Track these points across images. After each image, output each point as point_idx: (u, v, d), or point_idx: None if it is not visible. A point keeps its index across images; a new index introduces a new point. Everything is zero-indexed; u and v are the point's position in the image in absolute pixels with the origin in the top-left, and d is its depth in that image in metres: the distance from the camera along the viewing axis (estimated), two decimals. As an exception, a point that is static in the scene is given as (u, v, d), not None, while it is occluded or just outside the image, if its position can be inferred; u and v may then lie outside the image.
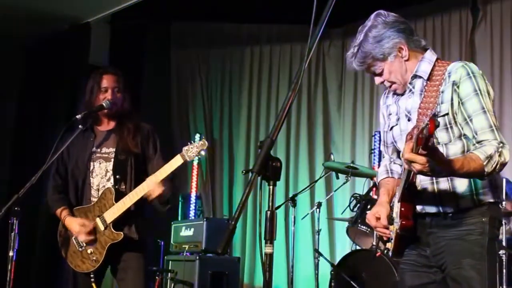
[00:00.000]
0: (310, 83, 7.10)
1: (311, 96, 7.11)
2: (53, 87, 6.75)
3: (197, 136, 6.36)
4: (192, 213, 6.76)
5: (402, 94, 2.55)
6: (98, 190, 3.47)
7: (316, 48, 1.99)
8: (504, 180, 4.28)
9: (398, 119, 2.53)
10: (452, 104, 2.36)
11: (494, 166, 2.23)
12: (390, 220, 2.44)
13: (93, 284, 3.38)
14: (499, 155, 2.25)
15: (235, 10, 6.65)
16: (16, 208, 3.30)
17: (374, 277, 4.46)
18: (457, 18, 6.19)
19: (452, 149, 2.36)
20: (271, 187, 1.84)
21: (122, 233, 3.37)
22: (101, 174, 3.49)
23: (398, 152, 2.61)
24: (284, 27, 7.18)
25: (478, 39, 6.02)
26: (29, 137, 6.71)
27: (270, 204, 1.84)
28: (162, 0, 6.28)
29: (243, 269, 6.66)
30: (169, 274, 5.09)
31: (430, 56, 2.49)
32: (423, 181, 2.42)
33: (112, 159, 3.48)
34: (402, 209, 2.37)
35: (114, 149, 3.50)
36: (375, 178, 5.42)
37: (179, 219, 6.54)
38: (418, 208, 2.44)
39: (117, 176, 3.46)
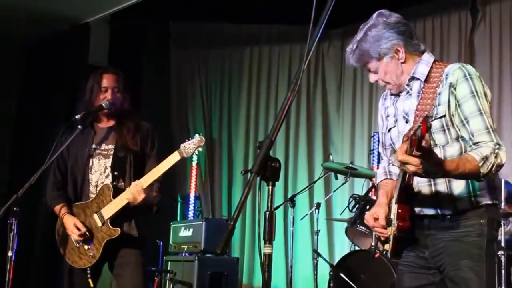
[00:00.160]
0: (309, 84, 7.10)
1: (310, 96, 7.12)
2: (53, 87, 6.75)
3: (196, 136, 6.34)
4: (191, 213, 6.76)
5: (398, 95, 2.56)
6: (96, 186, 3.48)
7: (315, 48, 2.00)
8: (503, 181, 4.29)
9: (396, 121, 2.54)
10: (449, 106, 2.36)
11: (490, 167, 2.23)
12: (388, 222, 2.44)
13: (90, 280, 3.38)
14: (495, 157, 2.25)
15: (235, 10, 6.66)
16: (15, 208, 3.31)
17: (372, 278, 4.47)
18: (456, 18, 6.19)
19: (449, 151, 2.36)
20: (270, 187, 1.84)
21: (119, 229, 3.38)
22: (100, 171, 3.50)
23: None
24: (284, 28, 7.18)
25: (477, 40, 6.02)
26: (29, 137, 6.71)
27: (269, 204, 1.84)
28: (162, 0, 6.28)
29: (242, 269, 6.66)
30: (168, 274, 5.09)
31: (427, 58, 2.49)
32: (420, 183, 2.42)
33: (111, 156, 3.50)
34: (399, 210, 2.37)
35: (113, 146, 3.52)
36: (374, 179, 5.42)
37: (178, 219, 6.54)
38: (416, 210, 2.45)
39: (116, 173, 3.47)
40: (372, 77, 2.56)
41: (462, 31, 6.13)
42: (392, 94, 2.60)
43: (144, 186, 3.33)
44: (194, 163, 6.85)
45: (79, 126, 3.46)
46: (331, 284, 4.70)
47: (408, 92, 2.50)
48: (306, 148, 7.03)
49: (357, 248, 5.14)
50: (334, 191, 5.82)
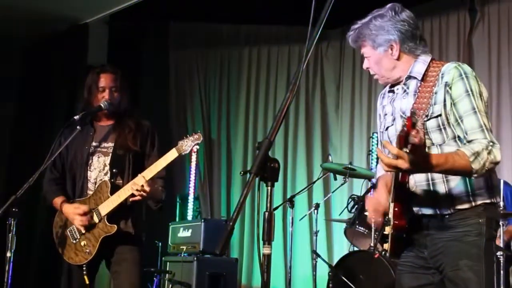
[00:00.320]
0: (308, 84, 7.10)
1: (309, 97, 7.12)
2: (52, 88, 6.76)
3: (194, 133, 6.34)
4: (190, 214, 6.76)
5: (394, 92, 2.57)
6: (95, 183, 3.49)
7: (314, 49, 1.99)
8: (502, 182, 4.30)
9: (393, 120, 2.55)
10: (445, 105, 2.36)
11: (482, 163, 2.23)
12: (387, 222, 2.44)
13: (85, 277, 3.38)
14: (488, 153, 2.24)
15: (234, 10, 6.66)
16: (13, 209, 3.30)
17: (371, 278, 4.46)
18: (455, 19, 6.20)
19: (446, 150, 2.36)
20: (269, 188, 1.84)
21: (115, 226, 3.38)
22: (99, 168, 3.51)
23: None
24: (283, 28, 7.18)
25: (476, 41, 6.03)
26: (28, 138, 6.71)
27: (268, 205, 1.84)
28: (161, 0, 6.29)
29: (241, 270, 6.66)
30: (166, 275, 5.08)
31: (424, 56, 2.50)
32: (418, 183, 2.43)
33: (110, 154, 3.51)
34: (396, 209, 2.37)
35: (112, 144, 3.53)
36: (373, 179, 5.43)
37: (177, 220, 6.54)
38: (415, 209, 2.45)
39: (114, 170, 3.48)
40: (365, 63, 2.59)
41: (460, 31, 6.14)
42: (390, 91, 2.61)
43: (153, 174, 3.34)
44: (193, 164, 6.84)
45: (78, 127, 3.46)
46: (330, 285, 4.70)
47: (405, 91, 2.51)
48: (305, 148, 7.03)
49: (356, 248, 5.14)
50: (333, 192, 5.82)
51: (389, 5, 2.51)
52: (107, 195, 3.41)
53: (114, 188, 3.41)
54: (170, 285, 5.00)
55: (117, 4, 6.26)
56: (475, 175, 2.26)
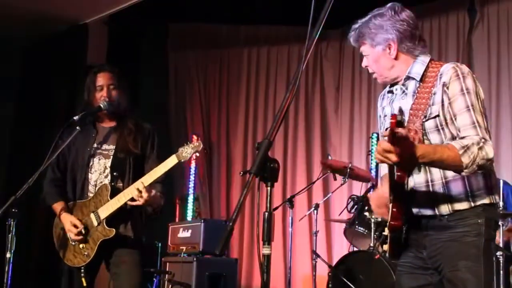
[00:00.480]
0: (307, 85, 7.10)
1: (308, 97, 7.12)
2: (52, 88, 6.76)
3: (194, 137, 6.35)
4: (189, 214, 6.76)
5: (391, 92, 2.57)
6: (95, 185, 3.49)
7: (313, 49, 2.00)
8: (501, 182, 4.30)
9: (393, 120, 2.55)
10: (442, 105, 2.37)
11: (472, 158, 2.22)
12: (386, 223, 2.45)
13: (82, 279, 3.38)
14: (479, 149, 2.24)
15: (233, 11, 6.66)
16: (13, 210, 3.30)
17: (371, 279, 4.47)
18: (454, 19, 6.20)
19: None
20: (268, 188, 1.85)
21: (113, 229, 3.38)
22: (99, 170, 3.51)
23: None
24: (282, 29, 7.18)
25: (475, 41, 6.03)
26: (28, 138, 6.71)
27: (268, 205, 1.84)
28: (160, 1, 6.29)
29: (241, 270, 6.66)
30: (166, 275, 5.08)
31: (423, 57, 2.50)
32: (417, 184, 2.43)
33: (111, 157, 3.51)
34: (394, 209, 2.37)
35: (114, 147, 3.53)
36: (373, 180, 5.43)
37: (177, 220, 6.53)
38: (414, 211, 2.45)
39: (115, 173, 3.48)
40: (364, 61, 2.60)
41: (460, 32, 6.14)
42: (389, 92, 2.61)
43: (153, 180, 3.34)
44: (193, 164, 6.84)
45: (77, 127, 3.46)
46: (330, 285, 4.71)
47: (404, 91, 2.51)
48: (304, 148, 7.03)
49: (355, 249, 5.14)
50: (332, 192, 5.82)
51: (389, 4, 2.52)
52: (107, 199, 3.41)
53: (114, 192, 3.41)
54: (170, 286, 4.99)
55: (117, 5, 6.26)
56: (466, 170, 2.25)
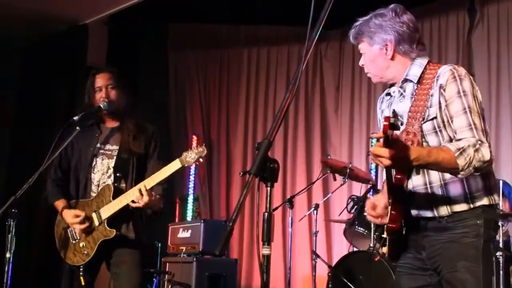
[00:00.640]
0: (307, 85, 7.10)
1: (308, 97, 7.12)
2: (52, 88, 6.76)
3: (195, 138, 6.36)
4: (189, 214, 6.76)
5: (389, 94, 2.57)
6: (98, 185, 3.51)
7: (313, 49, 2.00)
8: (501, 182, 4.29)
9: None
10: (440, 107, 2.36)
11: (468, 160, 2.21)
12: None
13: (81, 278, 3.39)
14: (476, 151, 2.23)
15: (233, 11, 6.66)
16: (13, 210, 3.30)
17: (371, 279, 4.47)
18: (454, 20, 6.20)
19: None
20: (268, 188, 1.85)
21: (114, 230, 3.40)
22: (102, 170, 3.52)
23: None
24: (282, 29, 7.18)
25: (475, 41, 6.03)
26: (28, 138, 6.70)
27: (268, 205, 1.84)
28: (160, 1, 6.29)
29: (241, 270, 6.66)
30: (166, 275, 5.08)
31: (421, 59, 2.50)
32: (416, 187, 2.43)
33: (115, 157, 3.52)
34: (392, 212, 2.36)
35: (117, 147, 3.55)
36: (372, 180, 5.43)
37: (176, 220, 6.53)
38: (413, 213, 2.45)
39: (118, 174, 3.50)
40: (361, 60, 2.61)
41: (460, 32, 6.14)
42: (387, 95, 2.61)
43: (155, 183, 3.36)
44: (193, 164, 6.83)
45: (77, 128, 3.46)
46: (330, 285, 4.71)
47: (401, 94, 2.52)
48: (304, 149, 7.03)
49: (355, 249, 5.13)
50: (332, 192, 5.82)
51: (392, 5, 2.53)
52: (109, 199, 3.42)
53: (117, 192, 3.43)
54: (170, 286, 4.99)
55: (117, 5, 6.26)
56: (462, 172, 2.24)
